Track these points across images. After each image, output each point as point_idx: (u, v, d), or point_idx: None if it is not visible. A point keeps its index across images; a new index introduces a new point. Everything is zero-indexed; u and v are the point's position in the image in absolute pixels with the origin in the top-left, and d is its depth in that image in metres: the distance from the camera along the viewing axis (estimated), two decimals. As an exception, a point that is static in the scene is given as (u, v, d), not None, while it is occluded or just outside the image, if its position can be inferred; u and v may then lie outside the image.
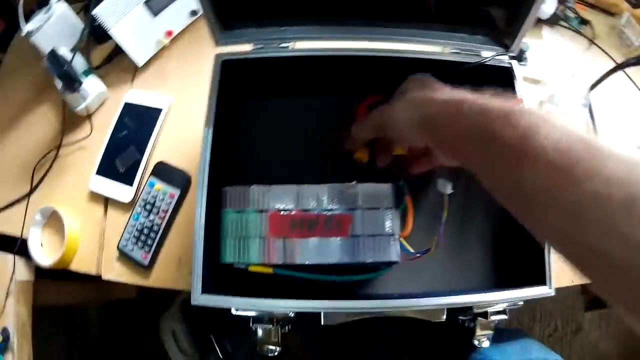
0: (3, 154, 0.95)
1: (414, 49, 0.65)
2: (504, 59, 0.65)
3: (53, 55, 0.83)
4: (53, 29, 0.89)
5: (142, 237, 0.78)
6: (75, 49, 0.92)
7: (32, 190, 0.88)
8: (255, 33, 0.64)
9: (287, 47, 0.64)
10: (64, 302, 1.21)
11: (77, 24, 0.92)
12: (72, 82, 0.82)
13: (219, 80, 0.62)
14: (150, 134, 0.82)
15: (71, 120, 0.92)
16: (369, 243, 0.57)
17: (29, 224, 0.84)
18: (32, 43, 0.90)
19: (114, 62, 0.94)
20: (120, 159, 0.83)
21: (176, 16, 0.90)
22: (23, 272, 0.88)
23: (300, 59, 0.64)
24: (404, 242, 0.59)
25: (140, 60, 0.89)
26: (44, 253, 0.85)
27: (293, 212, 0.57)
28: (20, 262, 0.87)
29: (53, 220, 0.85)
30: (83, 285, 1.15)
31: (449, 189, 0.60)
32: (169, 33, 0.89)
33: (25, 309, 0.88)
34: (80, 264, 0.84)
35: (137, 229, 0.78)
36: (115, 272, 0.82)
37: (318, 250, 0.57)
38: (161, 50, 0.92)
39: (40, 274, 0.90)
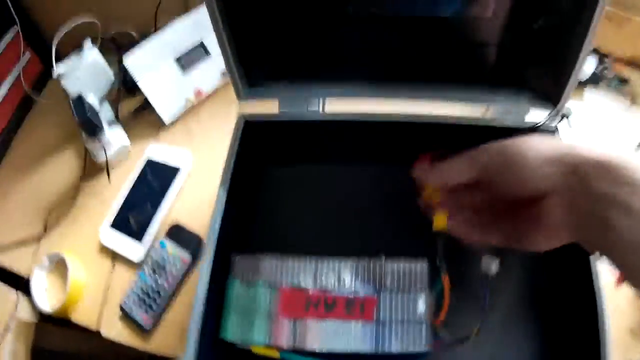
0: (23, 191, 0.93)
1: (452, 115, 0.58)
2: (547, 122, 0.58)
3: (79, 100, 0.80)
4: (84, 75, 0.87)
5: (147, 300, 0.70)
6: (104, 98, 0.88)
7: (45, 232, 0.85)
8: (283, 90, 0.58)
9: (316, 111, 0.58)
10: (69, 351, 1.12)
11: (108, 73, 0.91)
12: (94, 130, 0.79)
13: (239, 140, 0.56)
14: (166, 192, 0.76)
15: (92, 169, 0.90)
16: (397, 329, 0.49)
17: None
18: (62, 87, 0.87)
19: (141, 116, 0.90)
20: (133, 215, 0.77)
21: (207, 75, 0.86)
22: (26, 312, 0.81)
23: (330, 124, 0.58)
24: (438, 329, 0.51)
25: (166, 118, 0.85)
26: (47, 298, 0.79)
27: (309, 291, 0.49)
28: (24, 302, 0.81)
29: (60, 267, 0.80)
30: (90, 337, 1.08)
31: (494, 269, 0.52)
32: (199, 93, 0.85)
33: (24, 349, 0.82)
34: (82, 316, 0.77)
35: (142, 290, 0.71)
36: (115, 331, 0.74)
37: (335, 335, 0.49)
38: (190, 108, 0.88)
39: (47, 318, 0.83)
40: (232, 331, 0.50)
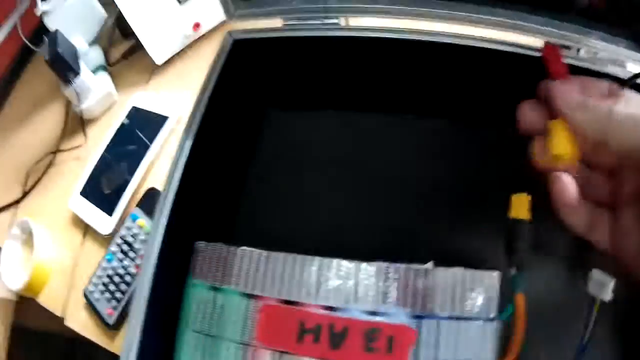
0: (8, 153, 0.79)
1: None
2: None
3: (53, 38, 0.61)
4: (70, 13, 0.71)
5: (111, 287, 0.52)
6: (95, 41, 0.71)
7: (23, 197, 0.71)
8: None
9: (336, 23, 0.36)
10: (53, 331, 0.98)
11: (98, 12, 0.75)
12: (65, 73, 0.59)
13: (222, 68, 0.35)
14: (147, 149, 0.56)
15: (75, 124, 0.72)
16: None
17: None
18: (46, 26, 0.72)
19: (132, 60, 0.71)
20: (106, 178, 0.58)
21: (207, 6, 0.65)
22: (3, 289, 0.66)
23: (357, 44, 0.36)
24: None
25: (158, 57, 0.65)
26: (18, 274, 0.63)
27: (306, 307, 0.29)
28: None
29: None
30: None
31: (608, 293, 0.32)
32: (197, 25, 0.64)
33: (2, 329, 0.70)
34: (48, 300, 0.62)
35: (107, 275, 0.53)
36: (79, 321, 0.58)
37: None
38: (186, 49, 0.67)
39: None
40: (188, 361, 0.31)
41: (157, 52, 0.66)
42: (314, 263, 0.29)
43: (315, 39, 0.39)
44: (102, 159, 0.62)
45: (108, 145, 0.62)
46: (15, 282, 0.62)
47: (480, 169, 0.37)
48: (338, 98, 0.42)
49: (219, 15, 0.60)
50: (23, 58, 0.88)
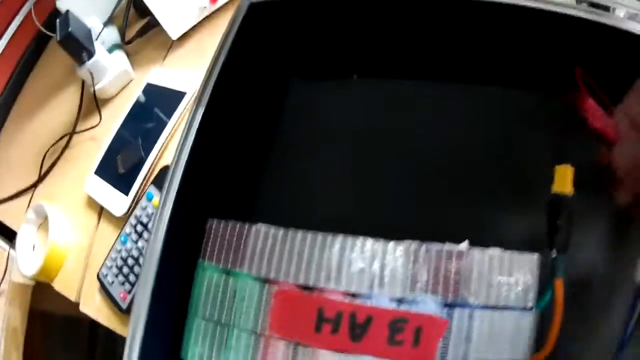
0: (26, 137, 0.78)
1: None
2: None
3: (65, 18, 0.58)
4: None
5: (125, 270, 0.50)
6: (110, 20, 0.68)
7: (39, 180, 0.70)
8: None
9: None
10: (72, 315, 0.97)
11: None
12: (78, 53, 0.57)
13: (237, 35, 0.32)
14: (164, 127, 0.53)
15: (91, 106, 0.69)
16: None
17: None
18: (57, 8, 0.70)
19: (149, 37, 0.68)
20: (122, 157, 0.55)
21: (226, -22, 0.61)
22: (20, 273, 0.66)
23: (379, 2, 0.32)
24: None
25: (174, 32, 0.63)
26: (33, 259, 0.63)
27: (326, 294, 0.25)
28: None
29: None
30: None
31: None
32: (214, -2, 0.60)
33: (19, 313, 0.70)
34: (63, 284, 0.60)
35: (121, 257, 0.50)
36: (94, 306, 0.56)
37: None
38: (203, 22, 0.64)
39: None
40: (198, 351, 0.28)
41: (173, 27, 0.62)
42: (336, 243, 0.26)
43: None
44: (117, 138, 0.59)
45: (123, 123, 0.60)
46: (30, 268, 0.61)
47: (519, 138, 0.33)
48: (366, 65, 0.38)
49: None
50: (39, 44, 0.86)
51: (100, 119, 0.65)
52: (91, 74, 0.61)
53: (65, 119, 0.72)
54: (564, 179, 0.27)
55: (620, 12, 0.33)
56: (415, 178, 0.33)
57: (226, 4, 0.64)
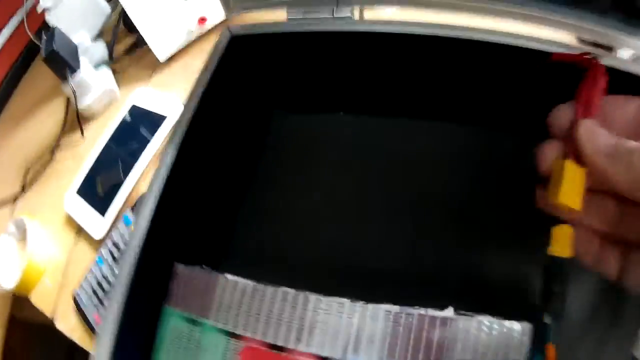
0: (11, 149, 0.76)
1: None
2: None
3: (52, 34, 0.57)
4: (73, 9, 0.67)
5: (100, 293, 0.48)
6: (99, 36, 0.67)
7: (20, 194, 0.67)
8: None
9: (349, 17, 0.30)
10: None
11: (102, 5, 0.70)
12: (61, 69, 0.55)
13: (217, 66, 0.30)
14: (143, 149, 0.51)
15: (75, 121, 0.66)
16: None
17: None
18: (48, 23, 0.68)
19: (137, 55, 0.65)
20: (102, 177, 0.53)
21: (213, 2, 0.59)
22: None
23: (373, 40, 0.31)
24: None
25: (162, 54, 0.60)
26: (11, 272, 0.60)
27: (295, 355, 0.23)
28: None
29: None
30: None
31: None
32: (202, 20, 0.59)
33: None
34: (40, 299, 0.58)
35: (96, 279, 0.48)
36: (68, 324, 0.54)
37: None
38: (191, 44, 0.62)
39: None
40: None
41: (160, 49, 0.61)
42: (309, 302, 0.24)
43: (324, 35, 0.33)
44: (99, 158, 0.57)
45: (106, 144, 0.58)
46: (8, 281, 0.58)
47: (513, 185, 0.31)
48: (350, 100, 0.36)
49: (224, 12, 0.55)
50: (29, 55, 0.84)
51: (83, 136, 0.62)
52: (74, 91, 0.59)
53: (48, 133, 0.70)
54: (562, 241, 0.23)
55: (626, 54, 0.31)
56: (399, 223, 0.32)
57: (215, 27, 0.63)
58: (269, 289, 0.24)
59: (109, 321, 0.27)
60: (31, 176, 0.67)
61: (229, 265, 0.31)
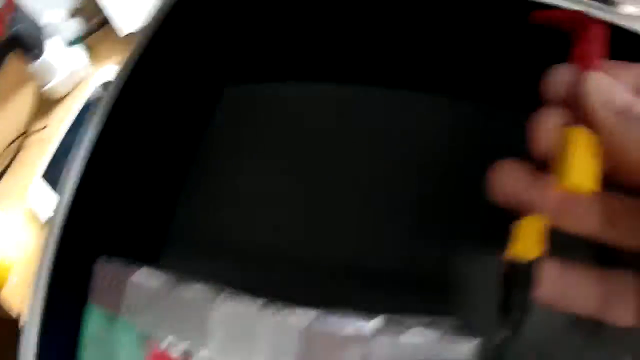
0: None
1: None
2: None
3: (13, 17, 0.52)
4: None
5: None
6: (74, 12, 0.63)
7: None
8: None
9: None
10: None
11: None
12: (25, 51, 0.52)
13: (158, 26, 0.24)
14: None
15: (45, 105, 0.62)
16: None
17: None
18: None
19: (110, 31, 0.60)
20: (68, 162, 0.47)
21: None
22: None
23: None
24: None
25: (125, 26, 0.55)
26: None
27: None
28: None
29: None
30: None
31: None
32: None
33: None
34: (8, 297, 0.54)
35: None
36: None
37: None
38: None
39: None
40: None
41: (124, 21, 0.55)
42: (228, 304, 0.17)
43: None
44: (64, 141, 0.52)
45: (71, 126, 0.52)
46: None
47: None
48: (316, 64, 0.29)
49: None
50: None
51: (50, 120, 0.57)
52: (40, 73, 0.54)
53: (21, 121, 0.64)
54: (528, 238, 0.16)
55: (628, 9, 0.24)
56: (357, 207, 0.25)
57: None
58: (184, 289, 0.18)
59: (32, 323, 0.23)
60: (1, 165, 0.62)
61: (169, 255, 0.26)
